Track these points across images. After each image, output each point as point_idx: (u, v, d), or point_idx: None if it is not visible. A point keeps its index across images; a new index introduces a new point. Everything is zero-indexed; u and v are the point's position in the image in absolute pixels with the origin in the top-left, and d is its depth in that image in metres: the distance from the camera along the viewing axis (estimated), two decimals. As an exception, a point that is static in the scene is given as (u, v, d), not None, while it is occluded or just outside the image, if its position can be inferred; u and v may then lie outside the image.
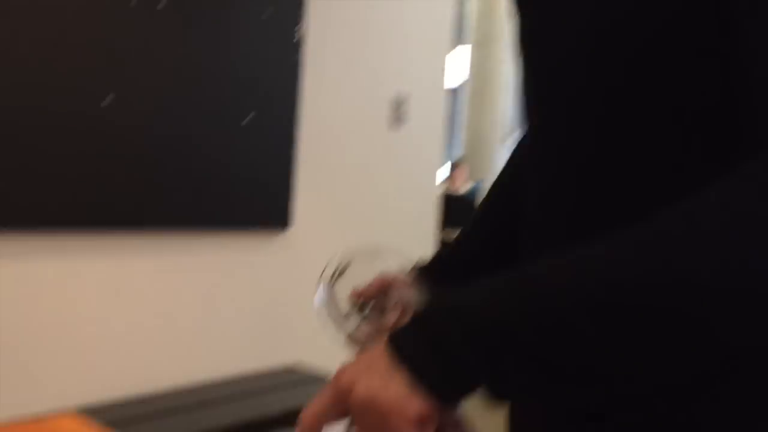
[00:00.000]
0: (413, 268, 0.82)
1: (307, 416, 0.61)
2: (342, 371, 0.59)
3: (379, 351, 0.57)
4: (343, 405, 0.58)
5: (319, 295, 0.74)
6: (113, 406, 2.22)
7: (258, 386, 2.55)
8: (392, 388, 0.54)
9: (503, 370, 0.52)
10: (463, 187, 6.26)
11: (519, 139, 0.89)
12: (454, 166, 6.49)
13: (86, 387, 2.20)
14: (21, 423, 1.14)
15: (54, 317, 2.11)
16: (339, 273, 0.76)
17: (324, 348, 2.57)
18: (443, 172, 6.09)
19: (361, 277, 0.77)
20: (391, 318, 0.76)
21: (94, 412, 2.06)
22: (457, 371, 0.54)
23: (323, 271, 0.76)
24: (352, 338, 0.73)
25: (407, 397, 0.54)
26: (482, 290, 0.55)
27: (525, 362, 0.52)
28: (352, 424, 0.60)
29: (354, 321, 0.74)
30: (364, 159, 3.01)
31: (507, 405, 0.62)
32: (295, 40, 2.58)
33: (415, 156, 3.26)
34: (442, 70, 3.37)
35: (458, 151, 7.92)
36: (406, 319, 0.59)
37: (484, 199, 0.93)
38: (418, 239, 3.32)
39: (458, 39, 7.61)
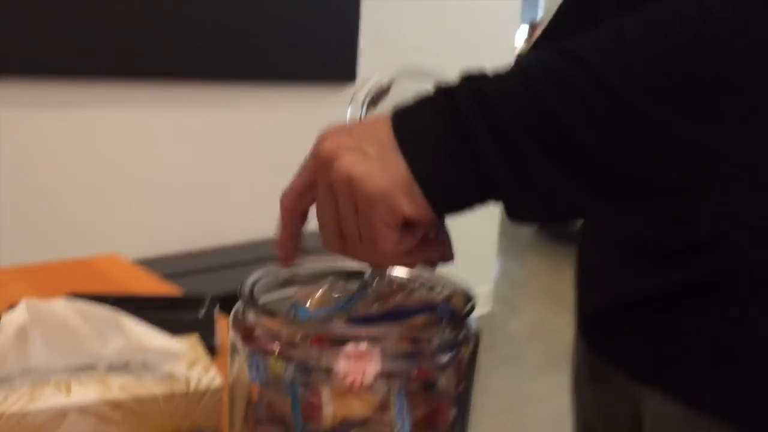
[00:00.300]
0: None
1: (284, 196, 0.52)
2: (324, 137, 0.48)
3: (379, 125, 0.47)
4: (321, 179, 0.48)
5: (350, 118, 0.65)
6: (169, 258, 2.23)
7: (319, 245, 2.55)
8: (387, 175, 0.45)
9: (528, 161, 0.43)
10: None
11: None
12: (533, 27, 6.19)
13: (142, 240, 2.21)
14: (62, 263, 1.12)
15: (117, 167, 2.10)
16: (376, 96, 0.67)
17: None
18: (521, 33, 5.81)
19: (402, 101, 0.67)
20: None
21: (149, 264, 2.08)
22: (471, 171, 0.44)
23: (357, 93, 0.66)
24: None
25: (402, 191, 0.45)
26: (514, 70, 0.45)
27: (557, 147, 0.42)
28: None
29: None
30: (435, 9, 2.84)
31: (528, 224, 0.52)
32: None
33: (491, 10, 3.07)
34: None
35: (538, 13, 7.54)
36: None
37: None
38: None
39: None
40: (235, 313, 0.55)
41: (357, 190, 0.45)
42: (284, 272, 0.61)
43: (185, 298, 0.93)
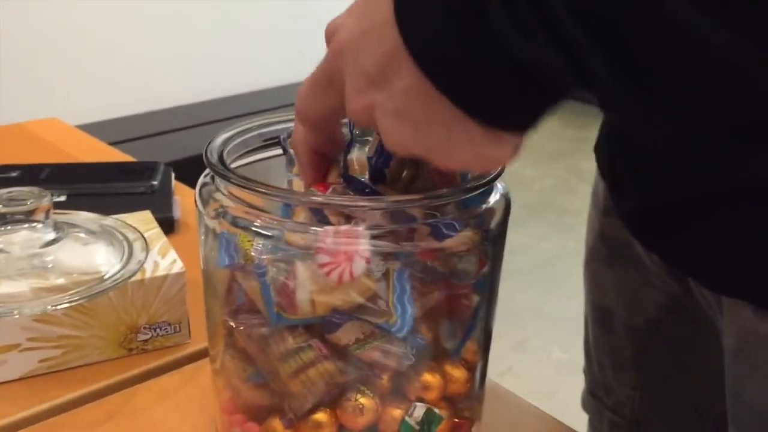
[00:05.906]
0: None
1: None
2: (332, 21, 0.39)
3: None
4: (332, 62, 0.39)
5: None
6: (116, 122, 2.08)
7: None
8: (382, 47, 0.34)
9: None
10: None
11: None
12: None
13: (85, 104, 2.04)
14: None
15: (57, 25, 1.92)
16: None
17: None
18: None
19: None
20: None
21: (94, 129, 1.93)
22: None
23: None
24: None
25: (394, 55, 0.34)
26: None
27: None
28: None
29: None
30: None
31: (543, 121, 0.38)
32: None
33: None
34: None
35: None
36: None
37: None
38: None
39: None
40: (202, 184, 0.44)
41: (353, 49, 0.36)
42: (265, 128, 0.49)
43: (135, 165, 0.81)
